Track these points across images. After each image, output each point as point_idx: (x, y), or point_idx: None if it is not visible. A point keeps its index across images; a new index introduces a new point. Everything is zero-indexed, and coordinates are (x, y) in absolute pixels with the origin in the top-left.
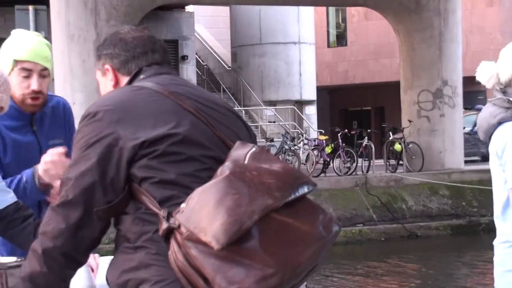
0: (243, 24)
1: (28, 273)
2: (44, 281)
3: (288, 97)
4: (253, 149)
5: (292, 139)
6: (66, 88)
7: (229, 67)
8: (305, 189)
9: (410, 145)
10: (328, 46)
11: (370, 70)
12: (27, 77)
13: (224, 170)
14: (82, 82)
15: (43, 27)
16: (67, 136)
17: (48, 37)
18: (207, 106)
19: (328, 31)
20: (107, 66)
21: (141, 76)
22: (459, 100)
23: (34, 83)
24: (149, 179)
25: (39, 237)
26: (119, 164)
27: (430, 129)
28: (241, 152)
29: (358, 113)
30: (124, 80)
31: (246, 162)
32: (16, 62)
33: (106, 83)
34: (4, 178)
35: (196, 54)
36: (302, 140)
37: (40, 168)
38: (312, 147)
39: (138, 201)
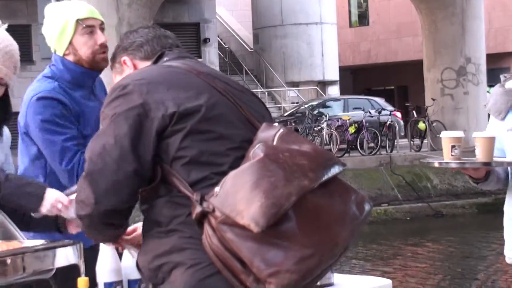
0: (265, 6)
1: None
2: (90, 234)
3: (310, 77)
4: (281, 130)
5: (316, 120)
6: None
7: (251, 49)
8: (336, 170)
9: (434, 124)
10: (350, 26)
11: (393, 49)
12: (91, 33)
13: (257, 152)
14: None
15: None
16: None
17: None
18: (233, 87)
19: (349, 11)
20: (123, 58)
21: (165, 59)
22: (483, 77)
23: (101, 37)
24: (180, 160)
25: (76, 205)
26: (148, 134)
27: (454, 107)
28: (269, 134)
29: (381, 92)
30: (144, 65)
31: (275, 143)
32: (78, 21)
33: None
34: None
35: (218, 36)
36: (326, 121)
37: None
38: (336, 127)
39: (169, 183)
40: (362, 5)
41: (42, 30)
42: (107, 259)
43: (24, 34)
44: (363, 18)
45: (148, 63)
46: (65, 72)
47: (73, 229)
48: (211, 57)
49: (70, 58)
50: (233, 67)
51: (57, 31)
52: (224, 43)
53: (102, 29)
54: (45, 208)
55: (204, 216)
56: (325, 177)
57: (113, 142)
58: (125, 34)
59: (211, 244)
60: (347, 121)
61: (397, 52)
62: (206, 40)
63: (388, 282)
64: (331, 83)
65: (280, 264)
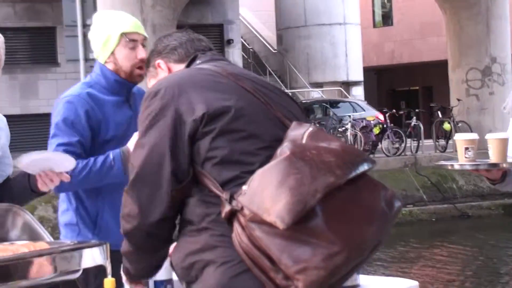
0: (288, 6)
1: (123, 252)
2: (136, 259)
3: (334, 78)
4: (310, 128)
5: (340, 121)
6: None
7: (274, 49)
8: (365, 166)
9: (459, 124)
10: (374, 26)
11: (417, 49)
12: (133, 47)
13: (284, 150)
14: None
15: (90, 15)
16: None
17: None
18: (264, 87)
19: (373, 11)
20: (157, 61)
21: (198, 62)
22: (509, 77)
23: (141, 52)
24: (211, 160)
25: (121, 221)
26: (183, 138)
27: (479, 107)
28: (299, 132)
29: (406, 93)
30: (177, 68)
31: (304, 141)
32: (123, 35)
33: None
34: (100, 152)
35: (242, 37)
36: (350, 121)
37: (131, 147)
38: (360, 128)
39: (201, 184)
40: (386, 5)
41: (89, 35)
42: None
43: (49, 36)
44: (387, 18)
45: (182, 66)
46: (101, 78)
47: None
48: (235, 58)
49: (110, 66)
50: (256, 68)
51: (101, 40)
52: (248, 44)
53: (144, 45)
54: None
55: (233, 214)
56: (353, 174)
57: (150, 151)
58: (159, 39)
59: (241, 242)
60: (372, 121)
61: (421, 52)
62: (229, 41)
63: (415, 283)
64: (355, 83)
65: (308, 261)
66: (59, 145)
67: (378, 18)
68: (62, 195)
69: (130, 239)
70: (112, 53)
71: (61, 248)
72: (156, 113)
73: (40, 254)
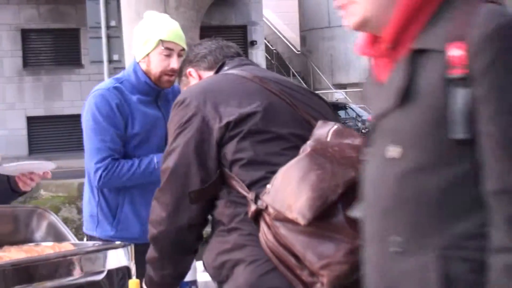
0: (311, 8)
1: (148, 258)
2: (160, 265)
3: (358, 79)
4: (335, 126)
5: (364, 122)
6: None
7: (298, 51)
8: None
9: None
10: None
11: None
12: (168, 55)
13: (306, 148)
14: None
15: (114, 16)
16: None
17: (118, 26)
18: (290, 88)
19: None
20: (188, 70)
21: (225, 68)
22: None
23: (174, 62)
24: (238, 162)
25: (149, 227)
26: (210, 144)
27: None
28: (324, 130)
29: None
30: (208, 75)
31: (328, 139)
32: (160, 41)
33: None
34: (126, 147)
35: (265, 39)
36: None
37: None
38: None
39: (229, 186)
40: None
41: (134, 30)
42: None
43: (73, 38)
44: None
45: (211, 73)
46: (132, 75)
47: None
48: (258, 59)
49: (143, 66)
50: (280, 69)
51: (141, 41)
52: (271, 45)
53: (181, 55)
54: None
55: (259, 214)
56: None
57: (178, 158)
58: (190, 48)
59: (267, 241)
60: None
61: None
62: (253, 43)
63: None
64: None
65: (331, 256)
66: (102, 141)
67: None
68: (87, 188)
69: (156, 244)
70: (147, 55)
71: (86, 249)
72: (183, 121)
73: (65, 255)
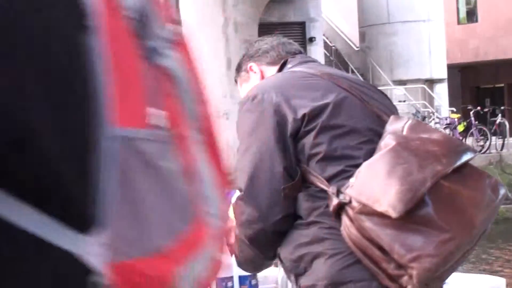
0: (371, 4)
1: (244, 259)
2: (258, 262)
3: (418, 76)
4: (409, 121)
5: (423, 118)
6: None
7: (357, 47)
8: (468, 156)
9: None
10: (458, 23)
11: (503, 46)
12: None
13: (388, 142)
14: (211, 66)
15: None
16: None
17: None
18: (358, 84)
19: (457, 8)
20: (249, 65)
21: (289, 66)
22: None
23: None
24: (315, 156)
25: (239, 230)
26: (286, 137)
27: None
28: (398, 125)
29: (491, 90)
30: (269, 71)
31: (404, 133)
32: None
33: (252, 83)
34: None
35: (324, 35)
36: (434, 119)
37: None
38: (444, 126)
39: (307, 181)
40: (471, 2)
41: None
42: None
43: None
44: (471, 15)
45: (273, 68)
46: None
47: None
48: (317, 56)
49: None
50: (338, 65)
51: None
52: (330, 42)
53: None
54: None
55: (341, 208)
56: (458, 163)
57: (258, 154)
58: (250, 44)
59: (350, 235)
60: (456, 119)
61: (507, 49)
62: (312, 39)
63: (502, 280)
64: (439, 81)
65: (420, 249)
66: None
67: (463, 14)
68: None
69: (254, 243)
70: None
71: None
72: (257, 117)
73: None
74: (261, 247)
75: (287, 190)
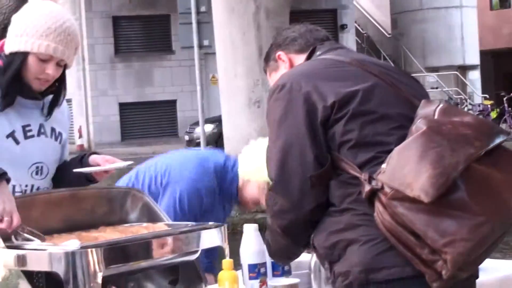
0: None
1: (276, 249)
2: (291, 252)
3: (450, 62)
4: (441, 105)
5: (456, 105)
6: (228, 60)
7: (389, 34)
8: (500, 138)
9: None
10: (491, 8)
11: None
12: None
13: (420, 126)
14: (243, 54)
15: (204, 2)
16: None
17: (208, 12)
18: (388, 69)
19: None
20: (278, 53)
21: (318, 53)
22: None
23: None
24: (346, 143)
25: (272, 220)
26: (317, 125)
27: None
28: (430, 109)
29: None
30: (298, 59)
31: (436, 117)
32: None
33: (281, 72)
34: None
35: (355, 22)
36: (466, 106)
37: None
38: (477, 113)
39: (339, 168)
40: None
41: None
42: (251, 241)
43: (163, 24)
44: (504, 1)
45: (302, 56)
46: None
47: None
48: (349, 43)
49: None
50: (370, 53)
51: None
52: (362, 29)
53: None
54: None
55: (373, 194)
56: (491, 145)
57: (288, 142)
58: (278, 32)
59: (383, 221)
60: (489, 106)
61: None
62: (343, 26)
63: None
64: (472, 67)
65: (454, 233)
66: None
67: (495, 0)
68: None
69: (287, 233)
70: None
71: (180, 230)
72: (286, 106)
73: (159, 235)
74: (294, 237)
75: (314, 179)
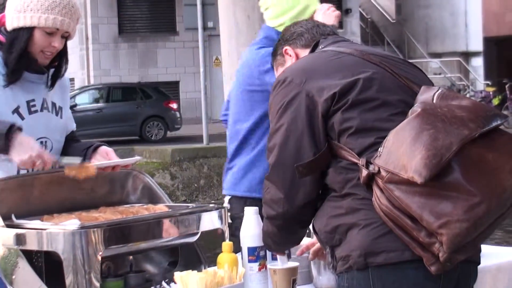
0: None
1: (264, 231)
2: (278, 239)
3: (453, 48)
4: (440, 90)
5: (458, 91)
6: (231, 43)
7: (393, 19)
8: (497, 121)
9: None
10: None
11: None
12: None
13: (415, 109)
14: (248, 37)
15: None
16: None
17: None
18: (388, 58)
19: None
20: (285, 48)
21: (320, 47)
22: None
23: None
24: (346, 131)
25: (264, 206)
26: (317, 118)
27: None
28: (428, 94)
29: None
30: (304, 53)
31: (434, 101)
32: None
33: (287, 66)
34: None
35: (360, 7)
36: (469, 92)
37: None
38: (479, 99)
39: (338, 156)
40: None
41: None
42: (251, 224)
43: (168, 5)
44: None
45: (308, 50)
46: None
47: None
48: (353, 27)
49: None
50: (374, 37)
51: (294, 10)
52: (366, 14)
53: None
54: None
55: (371, 179)
56: (486, 128)
57: (287, 135)
58: (285, 28)
59: (381, 205)
60: (491, 92)
61: None
62: (348, 11)
63: None
64: (475, 54)
65: (449, 214)
66: None
67: None
68: None
69: (274, 222)
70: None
71: (180, 211)
72: (287, 100)
73: (160, 216)
74: (278, 227)
75: (301, 168)
